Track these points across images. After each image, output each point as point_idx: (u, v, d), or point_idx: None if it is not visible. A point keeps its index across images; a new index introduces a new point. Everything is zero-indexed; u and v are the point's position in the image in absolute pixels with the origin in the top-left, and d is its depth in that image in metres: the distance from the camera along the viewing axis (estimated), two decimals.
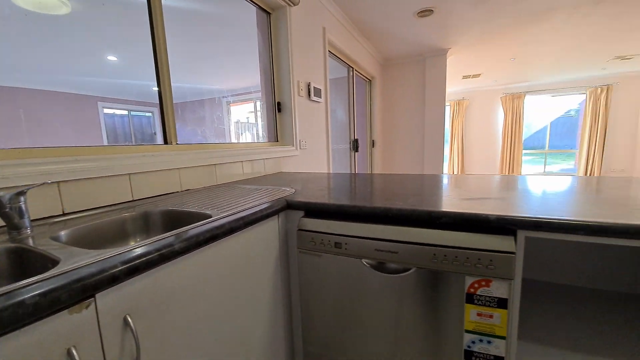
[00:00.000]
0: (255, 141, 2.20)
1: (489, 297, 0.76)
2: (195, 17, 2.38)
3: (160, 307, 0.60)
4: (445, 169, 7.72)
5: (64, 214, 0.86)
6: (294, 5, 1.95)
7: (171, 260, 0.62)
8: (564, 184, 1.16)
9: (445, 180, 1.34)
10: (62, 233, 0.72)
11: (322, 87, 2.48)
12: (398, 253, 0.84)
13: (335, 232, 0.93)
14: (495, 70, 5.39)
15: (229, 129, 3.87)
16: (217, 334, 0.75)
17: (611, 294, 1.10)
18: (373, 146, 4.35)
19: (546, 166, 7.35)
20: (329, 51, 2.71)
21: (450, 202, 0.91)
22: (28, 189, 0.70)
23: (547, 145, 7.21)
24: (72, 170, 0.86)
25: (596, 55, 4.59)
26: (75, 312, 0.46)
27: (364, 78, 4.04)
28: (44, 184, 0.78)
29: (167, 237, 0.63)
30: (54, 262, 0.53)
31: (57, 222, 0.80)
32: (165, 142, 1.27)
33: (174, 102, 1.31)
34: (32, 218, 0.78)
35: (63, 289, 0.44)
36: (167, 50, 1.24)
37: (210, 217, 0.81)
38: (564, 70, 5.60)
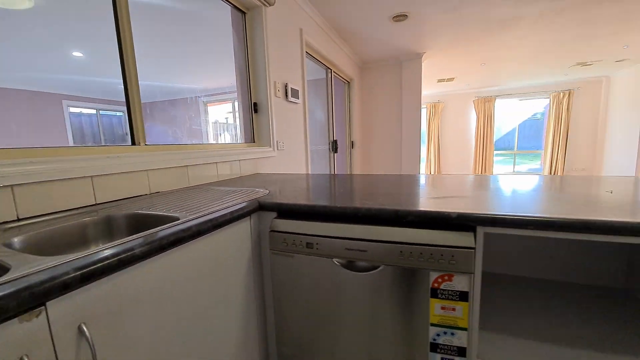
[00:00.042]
0: (235, 142, 2.17)
1: (452, 291, 0.79)
2: (167, 14, 2.31)
3: (121, 314, 0.58)
4: (423, 170, 7.95)
5: (18, 219, 0.81)
6: (270, 5, 1.94)
7: (132, 265, 0.60)
8: (528, 182, 1.23)
9: (421, 180, 1.38)
10: (16, 239, 0.69)
11: (299, 88, 2.48)
12: (367, 251, 0.87)
13: (307, 233, 0.94)
14: (467, 75, 5.62)
15: (206, 129, 3.78)
16: (185, 336, 0.74)
17: (581, 287, 1.16)
18: (352, 147, 4.40)
19: (515, 166, 7.76)
20: (307, 52, 2.72)
21: (418, 201, 0.94)
22: None
23: (515, 147, 7.62)
24: (27, 173, 0.81)
25: (559, 62, 4.91)
26: (25, 320, 0.44)
27: (343, 80, 4.09)
28: None
29: (127, 242, 0.61)
30: (5, 270, 0.51)
31: (10, 227, 0.76)
32: (133, 142, 1.23)
33: (143, 101, 1.26)
34: None
35: (10, 297, 0.42)
36: (134, 46, 1.20)
37: (178, 219, 0.79)
38: (530, 76, 5.95)
